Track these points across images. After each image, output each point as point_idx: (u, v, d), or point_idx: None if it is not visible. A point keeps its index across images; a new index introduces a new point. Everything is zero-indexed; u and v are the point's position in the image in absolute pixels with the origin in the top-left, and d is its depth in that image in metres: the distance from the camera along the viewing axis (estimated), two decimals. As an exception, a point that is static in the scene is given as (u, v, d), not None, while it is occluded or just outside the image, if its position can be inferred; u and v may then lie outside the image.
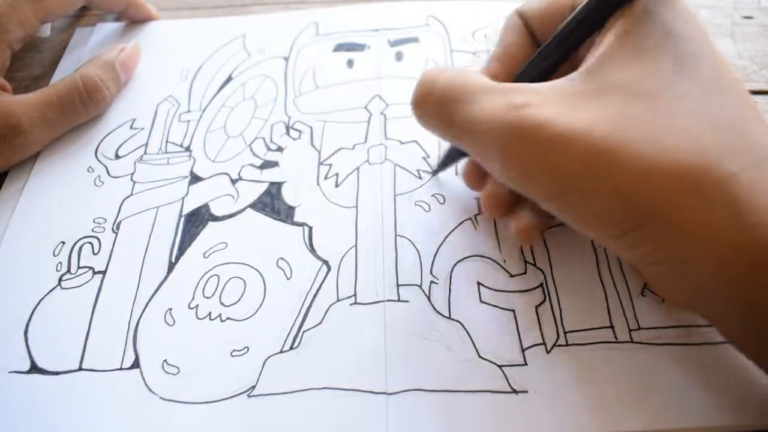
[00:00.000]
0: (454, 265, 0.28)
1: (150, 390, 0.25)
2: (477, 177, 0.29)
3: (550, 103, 0.21)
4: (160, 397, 0.25)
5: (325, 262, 0.29)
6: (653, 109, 0.20)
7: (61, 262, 0.30)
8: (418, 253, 0.29)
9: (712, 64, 0.22)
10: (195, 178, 0.33)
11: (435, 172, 0.32)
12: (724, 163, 0.19)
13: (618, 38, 0.22)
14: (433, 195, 0.31)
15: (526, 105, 0.21)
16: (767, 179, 0.19)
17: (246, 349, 0.26)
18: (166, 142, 0.35)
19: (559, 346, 0.26)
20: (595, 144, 0.20)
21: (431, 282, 0.28)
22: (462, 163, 0.31)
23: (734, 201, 0.19)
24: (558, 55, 0.25)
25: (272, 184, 0.32)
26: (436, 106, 0.24)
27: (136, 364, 0.26)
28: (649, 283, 0.26)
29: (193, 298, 0.28)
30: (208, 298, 0.28)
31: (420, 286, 0.28)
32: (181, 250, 0.30)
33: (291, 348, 0.26)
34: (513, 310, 0.27)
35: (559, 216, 0.23)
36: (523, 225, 0.27)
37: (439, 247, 0.29)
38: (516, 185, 0.23)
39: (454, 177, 0.32)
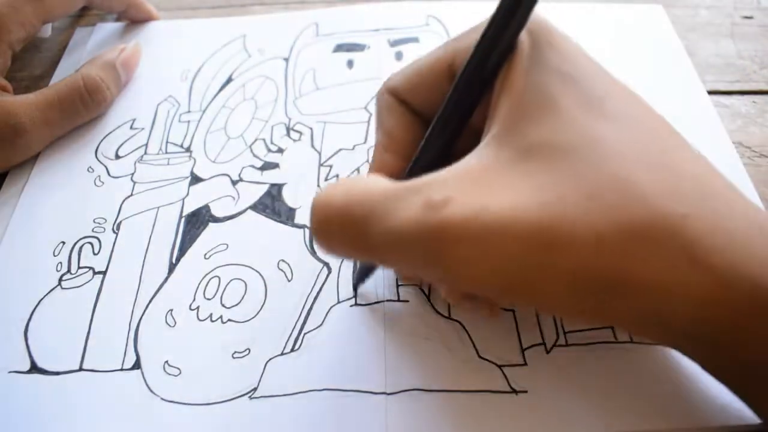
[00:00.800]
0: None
1: (151, 391, 0.25)
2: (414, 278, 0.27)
3: (469, 190, 0.19)
4: (161, 399, 0.25)
5: (326, 264, 0.29)
6: (578, 163, 0.18)
7: (61, 262, 0.30)
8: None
9: (621, 100, 0.20)
10: (195, 179, 0.33)
11: (355, 288, 0.28)
12: (671, 208, 0.18)
13: (512, 98, 0.20)
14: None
15: (446, 202, 0.18)
16: (715, 214, 0.18)
17: (247, 350, 0.26)
18: (167, 142, 0.35)
19: (559, 346, 0.26)
20: (531, 224, 0.18)
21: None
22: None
23: (690, 245, 0.17)
24: (452, 129, 0.22)
25: (273, 185, 0.32)
26: (340, 231, 0.20)
27: (137, 365, 0.26)
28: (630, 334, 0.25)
29: (194, 300, 0.28)
30: (209, 299, 0.28)
31: (420, 286, 0.28)
32: (182, 251, 0.30)
33: (292, 350, 0.26)
34: (513, 310, 0.27)
35: (521, 307, 0.21)
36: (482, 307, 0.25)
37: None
38: (463, 287, 0.20)
39: None
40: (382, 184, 0.20)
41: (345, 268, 0.29)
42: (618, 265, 0.18)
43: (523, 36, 0.21)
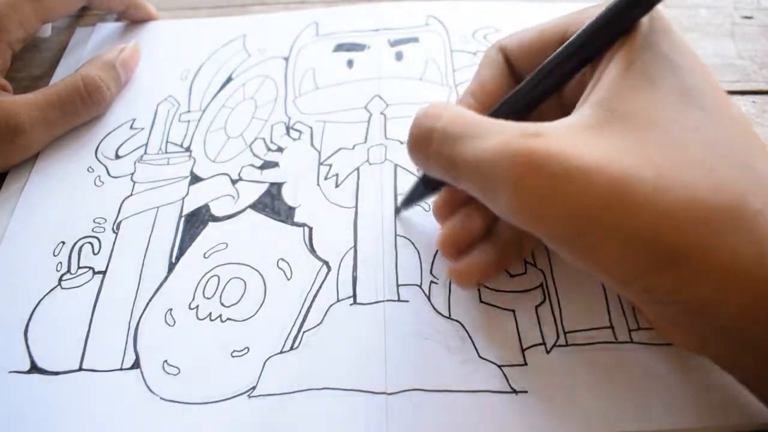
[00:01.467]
0: (454, 265, 0.28)
1: (150, 390, 0.25)
2: (449, 213, 0.27)
3: (564, 135, 0.20)
4: (161, 398, 0.25)
5: (325, 263, 0.29)
6: (667, 139, 0.19)
7: (61, 262, 0.30)
8: (418, 252, 0.29)
9: (715, 97, 0.21)
10: (195, 179, 0.33)
11: (399, 210, 0.30)
12: (748, 201, 0.18)
13: (623, 69, 0.21)
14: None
15: (539, 134, 0.20)
16: None
17: (246, 349, 0.26)
18: (166, 142, 0.35)
19: (559, 346, 0.26)
20: (614, 178, 0.18)
21: (431, 282, 0.28)
22: (432, 199, 0.28)
23: (759, 241, 0.18)
24: (546, 88, 0.24)
25: (272, 184, 0.32)
26: (439, 145, 0.22)
27: (136, 365, 0.26)
28: (653, 324, 0.25)
29: (193, 299, 0.28)
30: (208, 298, 0.28)
31: (420, 286, 0.28)
32: (182, 251, 0.30)
33: (291, 348, 0.26)
34: (513, 310, 0.27)
35: (567, 258, 0.21)
36: (465, 266, 0.25)
37: (439, 247, 0.29)
38: (523, 223, 0.21)
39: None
40: (483, 117, 0.22)
41: (344, 267, 0.29)
42: (687, 240, 0.18)
43: (645, 20, 0.22)
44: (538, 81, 0.24)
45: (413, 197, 0.29)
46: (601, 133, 0.20)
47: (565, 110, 0.23)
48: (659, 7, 0.22)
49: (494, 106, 0.25)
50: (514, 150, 0.19)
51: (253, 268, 0.29)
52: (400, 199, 0.30)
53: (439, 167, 0.23)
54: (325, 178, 0.32)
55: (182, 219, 0.31)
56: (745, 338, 0.19)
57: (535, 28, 0.26)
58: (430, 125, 0.23)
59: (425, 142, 0.23)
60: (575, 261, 0.21)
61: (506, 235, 0.26)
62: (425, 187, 0.28)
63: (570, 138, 0.20)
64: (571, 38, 0.23)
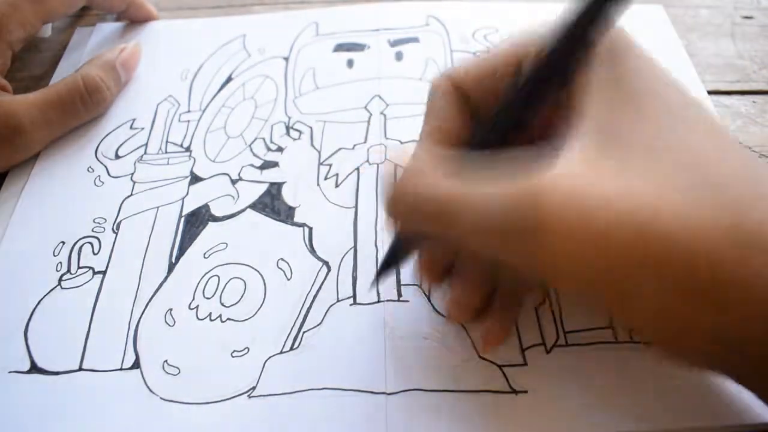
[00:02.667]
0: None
1: (150, 390, 0.25)
2: (437, 272, 0.26)
3: (569, 173, 0.19)
4: (161, 398, 0.25)
5: (325, 263, 0.29)
6: (673, 165, 0.19)
7: (61, 262, 0.30)
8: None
9: (698, 112, 0.21)
10: (195, 179, 0.33)
11: (376, 280, 0.28)
12: (752, 215, 0.18)
13: (603, 94, 0.20)
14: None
15: (540, 177, 0.19)
16: None
17: (246, 349, 0.26)
18: (166, 142, 0.35)
19: (559, 346, 0.26)
20: (640, 207, 0.18)
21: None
22: (412, 263, 0.27)
23: None
24: (514, 123, 0.22)
25: (272, 184, 0.32)
26: (424, 220, 0.21)
27: (136, 365, 0.26)
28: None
29: (193, 299, 0.28)
30: (208, 298, 0.28)
31: (420, 286, 0.28)
32: (182, 251, 0.30)
33: (291, 349, 0.26)
34: (513, 310, 0.27)
35: (599, 304, 0.20)
36: (492, 334, 0.25)
37: (439, 247, 0.29)
38: (534, 273, 0.20)
39: None
40: (466, 175, 0.21)
41: (344, 267, 0.29)
42: (722, 268, 0.17)
43: (607, 37, 0.21)
44: (504, 120, 0.22)
45: (390, 262, 0.26)
46: (602, 168, 0.19)
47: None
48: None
49: (464, 151, 0.23)
50: (525, 212, 0.18)
51: (253, 268, 0.29)
52: (374, 273, 0.28)
53: (431, 233, 0.22)
54: (325, 178, 0.32)
55: (182, 219, 0.31)
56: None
57: (482, 57, 0.25)
58: (410, 200, 0.22)
59: (408, 217, 0.22)
60: (599, 305, 0.20)
61: (511, 291, 0.26)
62: (402, 249, 0.26)
63: (578, 177, 0.19)
64: (531, 67, 0.22)
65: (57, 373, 0.26)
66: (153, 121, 0.36)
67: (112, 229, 0.31)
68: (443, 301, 0.27)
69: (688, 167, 0.19)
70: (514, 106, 0.22)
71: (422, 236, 0.23)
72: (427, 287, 0.27)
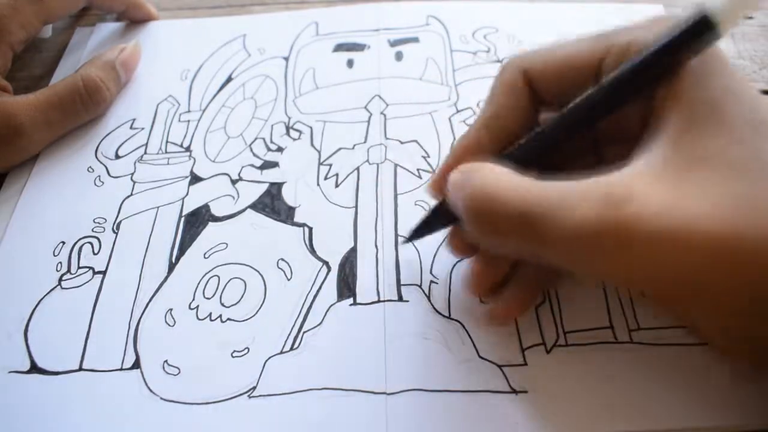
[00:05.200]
0: (454, 264, 0.28)
1: (150, 390, 0.25)
2: (465, 247, 0.26)
3: (652, 193, 0.18)
4: (161, 398, 0.25)
5: (325, 263, 0.29)
6: (752, 181, 0.18)
7: (61, 262, 0.30)
8: (418, 252, 0.29)
9: None
10: (195, 179, 0.33)
11: (409, 239, 0.28)
12: None
13: (685, 106, 0.20)
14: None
15: (629, 198, 0.18)
16: None
17: (246, 349, 0.26)
18: (166, 142, 0.35)
19: (559, 346, 0.26)
20: (718, 235, 0.17)
21: (431, 282, 0.28)
22: (445, 232, 0.27)
23: None
24: (582, 127, 0.22)
25: (272, 184, 0.32)
26: (515, 230, 0.21)
27: (136, 365, 0.26)
28: (719, 347, 0.23)
29: (193, 299, 0.28)
30: (208, 298, 0.28)
31: (420, 286, 0.28)
32: (182, 251, 0.30)
33: (291, 349, 0.26)
34: (513, 310, 0.27)
35: (673, 311, 0.20)
36: (504, 307, 0.25)
37: (439, 246, 0.29)
38: (622, 285, 0.20)
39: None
40: (545, 183, 0.20)
41: (344, 267, 0.29)
42: None
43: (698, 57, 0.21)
44: (574, 121, 0.22)
45: (424, 229, 0.27)
46: (683, 183, 0.19)
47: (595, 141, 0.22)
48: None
49: (515, 145, 0.23)
50: (607, 225, 0.18)
51: (253, 268, 0.29)
52: (407, 230, 0.28)
53: (522, 250, 0.22)
54: (325, 178, 0.32)
55: (182, 219, 0.31)
56: None
57: (560, 51, 0.24)
58: (497, 210, 0.21)
59: (495, 229, 0.21)
60: (684, 316, 0.20)
61: (532, 271, 0.25)
62: (440, 221, 0.26)
63: (658, 195, 0.18)
64: (616, 74, 0.21)
65: (57, 373, 0.26)
66: (153, 121, 0.36)
67: (112, 229, 0.31)
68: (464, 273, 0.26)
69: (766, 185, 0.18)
70: (585, 107, 0.22)
71: (499, 248, 0.23)
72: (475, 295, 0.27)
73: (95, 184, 0.33)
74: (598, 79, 0.22)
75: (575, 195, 0.19)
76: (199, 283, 0.29)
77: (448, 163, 0.25)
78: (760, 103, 0.20)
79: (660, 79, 0.21)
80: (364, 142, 0.34)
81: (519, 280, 0.25)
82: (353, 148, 0.33)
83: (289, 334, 0.27)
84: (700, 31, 0.20)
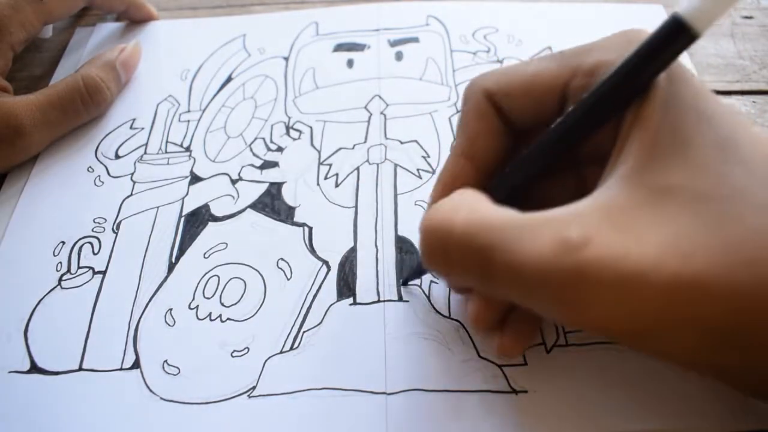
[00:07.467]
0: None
1: (150, 390, 0.25)
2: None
3: (606, 230, 0.18)
4: (161, 398, 0.25)
5: (325, 263, 0.29)
6: (717, 213, 0.18)
7: (61, 262, 0.30)
8: (418, 252, 0.29)
9: (751, 144, 0.19)
10: (195, 178, 0.33)
11: (405, 282, 0.28)
12: None
13: (650, 132, 0.19)
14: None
15: (585, 243, 0.18)
16: None
17: (246, 349, 0.26)
18: (166, 142, 0.35)
19: (559, 346, 0.26)
20: (673, 276, 0.17)
21: (431, 282, 0.28)
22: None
23: None
24: (558, 154, 0.21)
25: (272, 184, 0.32)
26: (461, 260, 0.20)
27: (136, 365, 0.26)
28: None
29: (193, 299, 0.28)
30: (208, 298, 0.28)
31: (420, 286, 0.28)
32: (182, 251, 0.30)
33: (291, 348, 0.26)
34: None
35: (636, 349, 0.20)
36: (510, 339, 0.23)
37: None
38: (581, 328, 0.20)
39: None
40: (504, 212, 0.20)
41: (344, 267, 0.29)
42: (758, 319, 0.17)
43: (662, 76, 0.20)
44: (547, 150, 0.21)
45: (419, 272, 0.27)
46: (644, 217, 0.18)
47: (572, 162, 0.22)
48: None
49: (495, 180, 0.23)
50: (560, 269, 0.18)
51: (253, 268, 0.29)
52: (405, 273, 0.28)
53: (471, 282, 0.21)
54: (325, 178, 0.32)
55: (182, 219, 0.31)
56: None
57: (524, 70, 0.23)
58: (447, 240, 0.20)
59: (444, 258, 0.20)
60: (650, 353, 0.20)
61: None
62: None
63: (615, 234, 0.18)
64: (586, 97, 0.20)
65: (57, 373, 0.26)
66: (153, 121, 0.36)
67: (112, 229, 0.31)
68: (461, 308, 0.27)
69: (731, 216, 0.18)
70: (558, 133, 0.21)
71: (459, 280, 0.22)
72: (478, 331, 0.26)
73: (95, 184, 0.33)
74: (564, 101, 0.22)
75: (530, 230, 0.19)
76: (198, 283, 0.29)
77: (434, 196, 0.25)
78: (727, 119, 0.20)
79: (633, 97, 0.20)
80: (364, 142, 0.34)
81: (521, 311, 0.24)
82: (353, 148, 0.33)
83: (288, 334, 0.27)
84: (675, 37, 0.19)
